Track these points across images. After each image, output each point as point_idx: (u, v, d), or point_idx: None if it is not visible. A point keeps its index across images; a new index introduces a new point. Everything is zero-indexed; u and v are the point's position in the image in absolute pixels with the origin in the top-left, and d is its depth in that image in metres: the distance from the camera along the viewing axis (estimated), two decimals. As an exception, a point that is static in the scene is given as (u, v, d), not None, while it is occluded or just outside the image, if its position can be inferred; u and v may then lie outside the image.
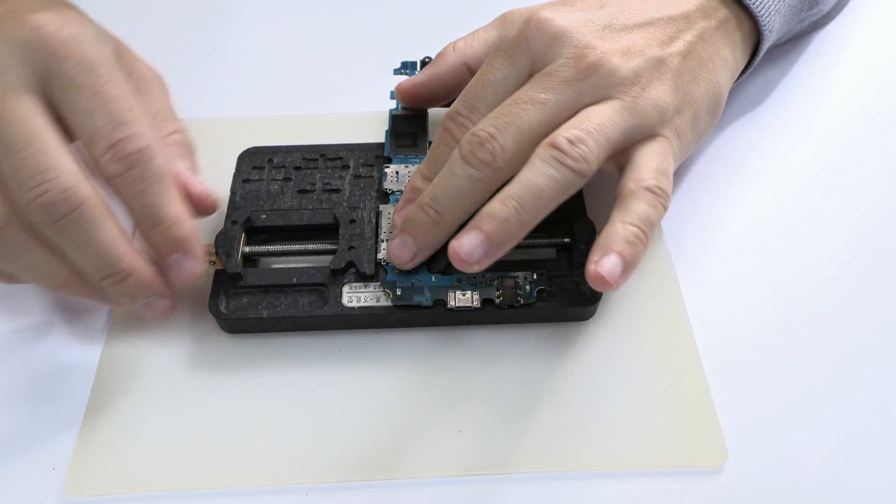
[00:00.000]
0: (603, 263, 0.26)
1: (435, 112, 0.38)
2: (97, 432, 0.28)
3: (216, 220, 0.33)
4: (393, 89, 0.37)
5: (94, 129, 0.26)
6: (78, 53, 0.26)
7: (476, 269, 0.27)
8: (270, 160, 0.34)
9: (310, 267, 0.30)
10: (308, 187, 0.33)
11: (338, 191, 0.33)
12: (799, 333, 0.30)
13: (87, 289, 0.28)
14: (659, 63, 0.30)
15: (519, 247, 0.31)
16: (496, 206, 0.27)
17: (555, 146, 0.27)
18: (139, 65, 0.31)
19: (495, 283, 0.29)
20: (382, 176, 0.33)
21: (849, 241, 0.33)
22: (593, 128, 0.28)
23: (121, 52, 0.30)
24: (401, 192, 0.32)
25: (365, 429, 0.28)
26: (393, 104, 0.36)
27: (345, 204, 0.32)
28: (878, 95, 0.39)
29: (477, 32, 0.34)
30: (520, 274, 0.30)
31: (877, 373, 0.29)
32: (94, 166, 0.27)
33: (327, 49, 0.42)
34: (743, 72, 0.35)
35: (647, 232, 0.28)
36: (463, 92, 0.30)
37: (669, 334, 0.30)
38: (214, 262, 0.30)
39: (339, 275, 0.30)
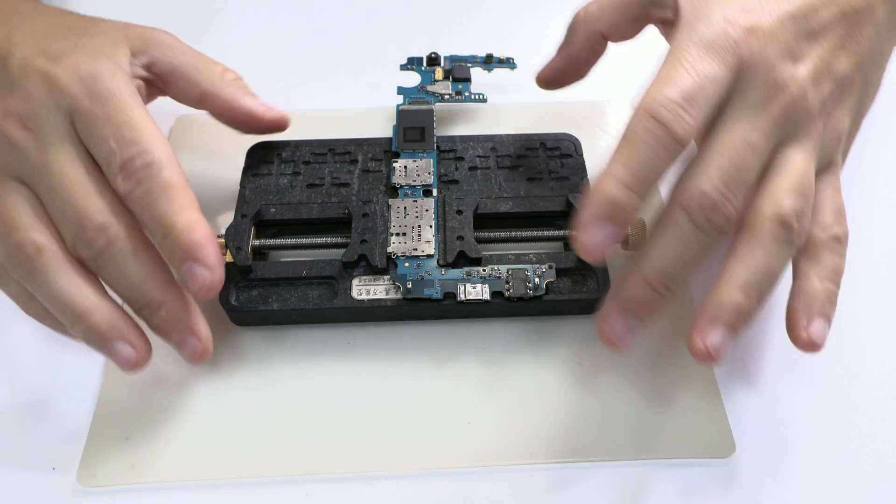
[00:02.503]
0: (813, 328, 0.26)
1: (442, 107, 0.38)
2: (108, 424, 0.28)
3: (226, 214, 0.33)
4: (400, 85, 0.37)
5: (108, 155, 0.26)
6: (93, 90, 0.27)
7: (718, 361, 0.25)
8: (279, 154, 0.34)
9: (319, 260, 0.30)
10: (317, 181, 0.33)
11: (346, 185, 0.33)
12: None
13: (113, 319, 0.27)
14: (843, 82, 0.27)
15: (527, 240, 0.32)
16: (740, 298, 0.25)
17: (786, 225, 0.25)
18: (158, 50, 0.31)
19: (505, 275, 0.30)
20: (391, 170, 0.33)
21: (857, 232, 0.33)
22: (807, 189, 0.26)
23: (137, 52, 0.30)
24: (409, 186, 0.32)
25: (373, 421, 0.28)
26: (400, 99, 0.37)
27: (354, 198, 0.32)
28: None
29: None
30: (529, 267, 0.30)
31: (884, 365, 0.30)
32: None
33: (334, 45, 0.42)
34: None
35: (839, 285, 0.27)
36: (667, 80, 0.25)
37: (677, 326, 0.30)
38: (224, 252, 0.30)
39: (349, 268, 0.30)
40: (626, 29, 0.31)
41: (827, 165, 0.28)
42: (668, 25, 0.29)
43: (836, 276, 0.27)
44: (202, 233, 0.26)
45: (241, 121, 0.32)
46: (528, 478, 0.27)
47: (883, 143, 0.37)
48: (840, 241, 0.27)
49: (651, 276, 0.25)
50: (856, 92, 0.28)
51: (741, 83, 0.26)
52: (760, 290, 0.25)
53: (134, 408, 0.28)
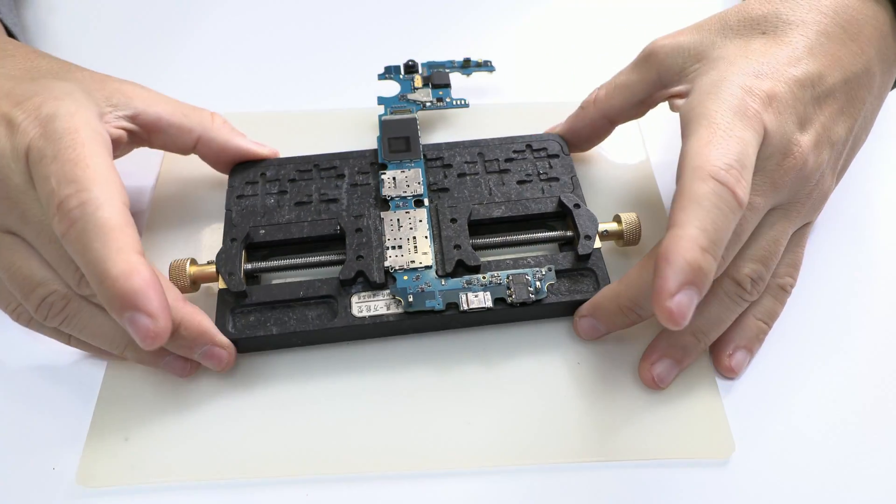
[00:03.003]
0: (735, 357, 0.29)
1: (424, 114, 0.37)
2: (108, 424, 0.28)
3: (215, 239, 0.33)
4: (379, 94, 0.37)
5: (48, 194, 0.25)
6: (48, 129, 0.25)
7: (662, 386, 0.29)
8: (263, 174, 0.33)
9: (316, 280, 0.30)
10: (305, 199, 0.32)
11: (336, 200, 0.32)
12: (805, 326, 0.31)
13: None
14: (837, 147, 0.29)
15: (523, 243, 0.31)
16: (689, 340, 0.29)
17: (741, 286, 0.28)
18: (141, 101, 0.30)
19: (505, 281, 0.29)
20: (379, 182, 0.33)
21: (853, 232, 0.34)
22: (773, 255, 0.28)
23: (119, 105, 0.29)
24: (400, 197, 0.32)
25: (373, 421, 0.28)
26: (381, 110, 0.36)
27: (345, 213, 0.32)
28: None
29: (619, 77, 0.32)
30: (528, 271, 0.30)
31: (882, 365, 0.30)
32: None
33: (310, 54, 0.41)
34: None
35: (771, 325, 0.30)
36: (717, 146, 0.25)
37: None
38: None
39: (347, 285, 0.29)
40: (633, 112, 0.32)
41: (803, 224, 0.30)
42: (679, 96, 0.29)
43: (769, 318, 0.30)
44: (140, 278, 0.23)
45: (234, 160, 0.33)
46: (527, 478, 0.27)
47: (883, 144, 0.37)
48: (784, 289, 0.30)
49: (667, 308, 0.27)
50: (844, 154, 0.30)
51: (761, 150, 0.27)
52: (708, 335, 0.29)
53: (134, 408, 0.28)
